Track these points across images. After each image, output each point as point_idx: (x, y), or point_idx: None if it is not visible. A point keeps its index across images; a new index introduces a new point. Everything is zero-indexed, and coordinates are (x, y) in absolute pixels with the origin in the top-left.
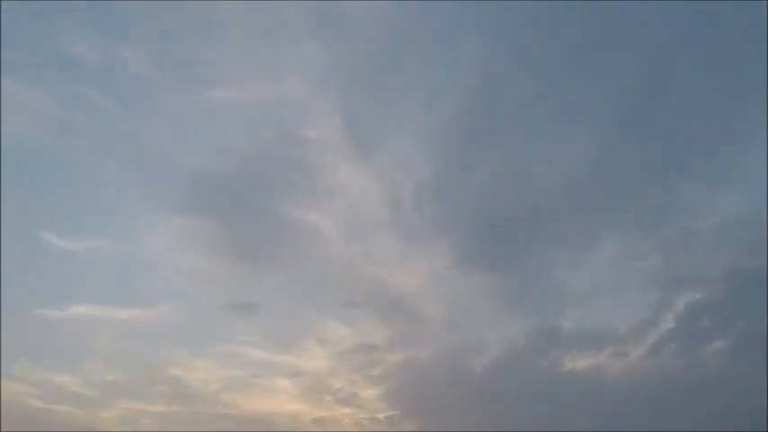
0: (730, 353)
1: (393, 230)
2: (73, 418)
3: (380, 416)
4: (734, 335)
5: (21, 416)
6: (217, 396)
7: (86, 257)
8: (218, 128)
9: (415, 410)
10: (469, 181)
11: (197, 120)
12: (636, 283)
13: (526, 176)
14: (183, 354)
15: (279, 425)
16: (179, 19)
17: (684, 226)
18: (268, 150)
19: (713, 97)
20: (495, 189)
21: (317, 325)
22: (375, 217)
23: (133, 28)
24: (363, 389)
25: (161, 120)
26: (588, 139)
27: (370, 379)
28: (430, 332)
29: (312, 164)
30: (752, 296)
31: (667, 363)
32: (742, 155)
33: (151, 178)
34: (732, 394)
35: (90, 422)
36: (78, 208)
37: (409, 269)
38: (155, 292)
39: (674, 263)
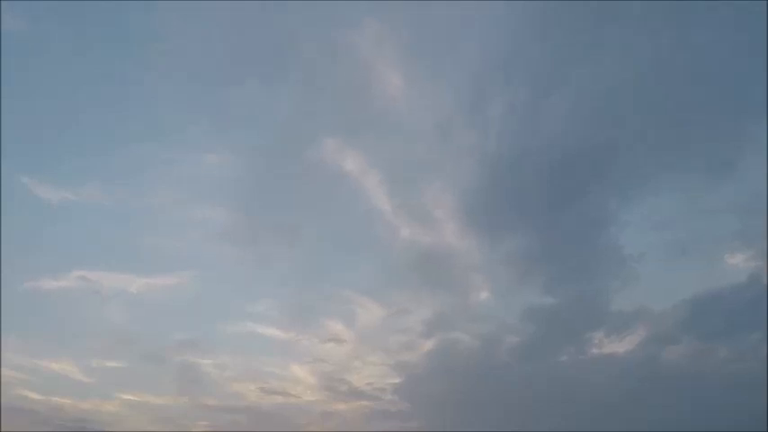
0: None
1: (445, 177)
2: (73, 411)
3: (394, 409)
4: None
5: (15, 409)
6: (229, 386)
7: (82, 211)
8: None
9: (435, 405)
10: (545, 109)
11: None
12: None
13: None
14: (194, 335)
15: (289, 419)
16: None
17: None
18: (303, 56)
19: None
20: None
21: (346, 300)
22: (427, 157)
23: None
24: (385, 378)
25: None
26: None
27: (397, 366)
28: (471, 310)
29: (359, 79)
30: None
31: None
32: None
33: (162, 90)
34: None
35: (91, 416)
36: (69, 143)
37: (459, 228)
38: (166, 255)
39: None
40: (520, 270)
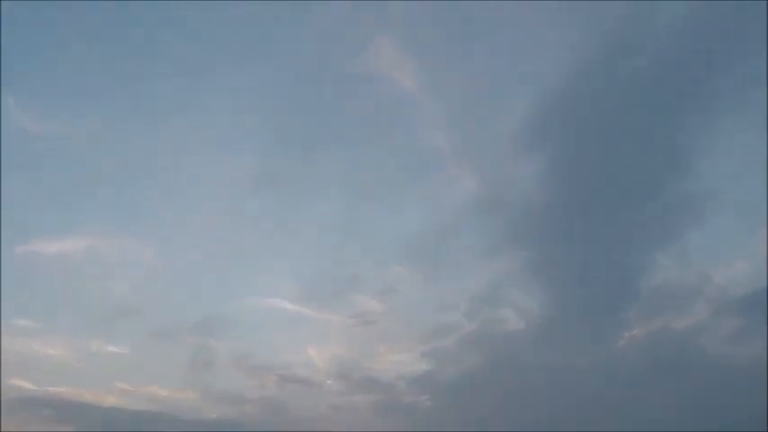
0: None
1: (519, 100)
2: (73, 405)
3: (407, 400)
4: None
5: (9, 402)
6: (240, 377)
7: (79, 150)
8: None
9: (462, 401)
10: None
11: None
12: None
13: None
14: (204, 313)
15: (303, 410)
16: None
17: None
18: None
19: None
20: None
21: (378, 268)
22: (505, 72)
23: None
24: (410, 365)
25: None
26: None
27: (428, 354)
28: (523, 279)
29: None
30: None
31: None
32: None
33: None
34: None
35: (91, 410)
36: (63, 56)
37: (521, 168)
38: (181, 214)
39: None
40: (579, 226)
